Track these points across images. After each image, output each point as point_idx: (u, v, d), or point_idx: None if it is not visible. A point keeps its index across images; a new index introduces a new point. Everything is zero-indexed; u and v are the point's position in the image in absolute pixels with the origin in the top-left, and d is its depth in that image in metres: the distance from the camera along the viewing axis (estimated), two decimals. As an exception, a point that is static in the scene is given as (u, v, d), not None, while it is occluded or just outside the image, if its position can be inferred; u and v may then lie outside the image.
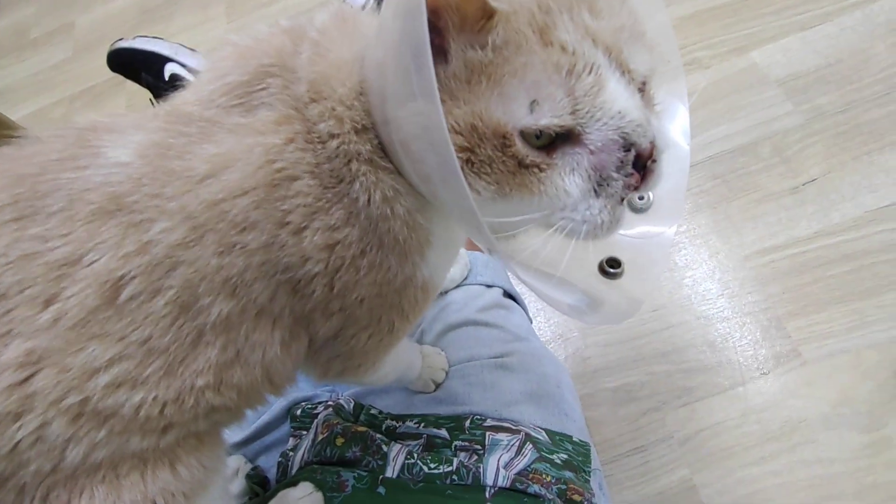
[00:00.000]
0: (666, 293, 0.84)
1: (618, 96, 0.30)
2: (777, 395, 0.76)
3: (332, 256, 0.35)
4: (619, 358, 0.82)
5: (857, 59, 0.97)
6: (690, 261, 0.88)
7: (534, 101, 0.29)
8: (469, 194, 0.26)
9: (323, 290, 0.36)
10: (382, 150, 0.35)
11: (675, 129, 0.41)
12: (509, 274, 0.80)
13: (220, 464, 0.42)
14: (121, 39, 1.13)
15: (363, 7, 1.15)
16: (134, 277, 0.31)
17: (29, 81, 1.51)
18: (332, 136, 0.34)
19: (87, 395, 0.32)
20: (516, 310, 0.76)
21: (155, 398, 0.34)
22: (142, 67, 1.12)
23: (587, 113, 0.30)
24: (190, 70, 1.12)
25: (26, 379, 0.30)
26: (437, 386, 0.64)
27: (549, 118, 0.29)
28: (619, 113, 0.30)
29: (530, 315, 0.80)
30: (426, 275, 0.40)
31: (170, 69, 1.11)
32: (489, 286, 0.76)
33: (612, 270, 0.40)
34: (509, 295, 0.78)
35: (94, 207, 0.31)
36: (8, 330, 0.30)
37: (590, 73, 0.29)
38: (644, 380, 0.80)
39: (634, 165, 0.32)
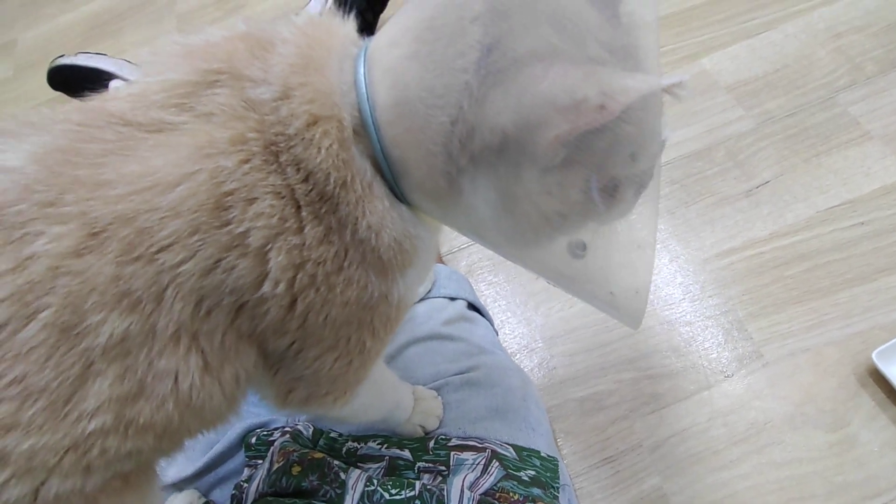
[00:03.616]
0: (629, 299, 0.84)
1: (664, 122, 0.32)
2: (742, 398, 0.76)
3: (300, 275, 0.33)
4: (585, 367, 0.81)
5: (802, 64, 1.00)
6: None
7: (633, 152, 0.30)
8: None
9: (279, 310, 0.34)
10: (376, 166, 0.33)
11: None
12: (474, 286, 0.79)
13: (148, 501, 0.39)
14: (61, 56, 1.09)
15: (319, 14, 1.13)
16: (3, 301, 0.28)
17: (-34, 102, 1.43)
18: (310, 153, 0.31)
19: None
20: (481, 322, 0.74)
21: (46, 446, 0.30)
22: (85, 85, 1.07)
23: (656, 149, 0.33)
24: (138, 86, 1.08)
25: None
26: (428, 433, 0.60)
27: (643, 163, 0.32)
28: (665, 137, 0.33)
29: (495, 327, 0.79)
30: (402, 292, 0.38)
31: (114, 86, 1.07)
32: (453, 298, 0.75)
33: (578, 252, 0.40)
34: (474, 307, 0.76)
35: None
36: None
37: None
38: (611, 388, 0.80)
39: None
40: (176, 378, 0.33)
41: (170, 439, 0.36)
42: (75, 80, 1.08)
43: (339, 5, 1.08)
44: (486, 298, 0.89)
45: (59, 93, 1.14)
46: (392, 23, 0.34)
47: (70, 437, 0.31)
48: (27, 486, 0.31)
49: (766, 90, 0.99)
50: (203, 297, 0.32)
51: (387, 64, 0.32)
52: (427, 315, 0.70)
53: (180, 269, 0.30)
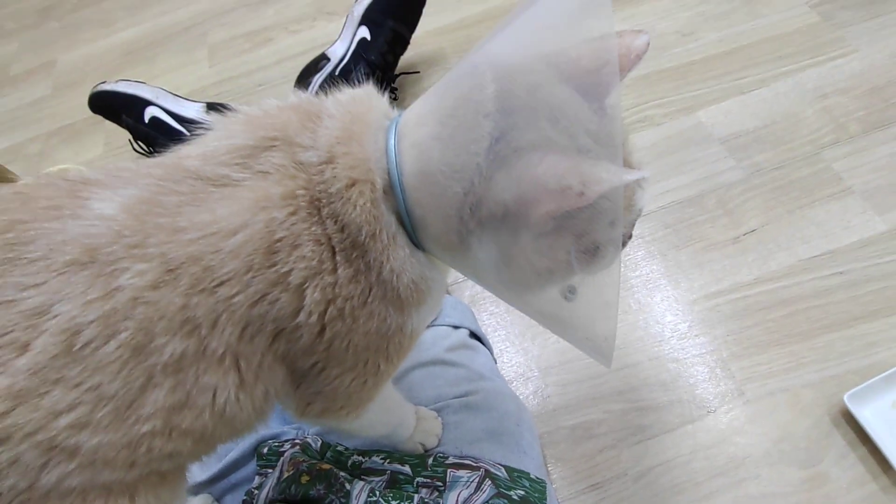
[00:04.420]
0: (621, 335, 0.90)
1: (641, 196, 0.39)
2: (723, 433, 0.81)
3: (330, 308, 0.39)
4: (577, 397, 0.86)
5: (790, 121, 1.07)
6: (643, 304, 0.93)
7: (612, 221, 0.36)
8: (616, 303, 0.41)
9: (310, 336, 0.40)
10: (399, 220, 0.40)
11: None
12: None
13: (178, 499, 0.44)
14: (104, 82, 1.17)
15: (342, 58, 1.21)
16: (91, 323, 0.34)
17: (5, 117, 1.51)
18: (347, 209, 0.37)
19: (54, 434, 0.34)
20: (481, 350, 0.80)
21: (109, 443, 0.36)
22: (123, 110, 1.15)
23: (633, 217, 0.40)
24: (170, 113, 1.16)
25: (7, 411, 0.33)
26: (427, 451, 0.66)
27: (622, 229, 0.38)
28: (640, 207, 0.39)
29: (495, 355, 0.84)
30: (415, 325, 0.44)
31: (150, 112, 1.15)
32: (456, 327, 0.80)
33: (570, 294, 0.46)
34: (475, 336, 0.82)
35: (68, 258, 0.34)
36: None
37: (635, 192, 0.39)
38: (601, 418, 0.84)
39: None
40: (214, 393, 0.38)
41: (205, 444, 0.42)
42: (114, 105, 1.15)
43: (363, 49, 1.17)
44: (486, 327, 0.95)
45: (93, 114, 1.21)
46: (420, 104, 0.41)
47: (127, 436, 0.36)
48: (86, 476, 0.36)
49: (756, 144, 1.06)
50: (248, 323, 0.38)
51: (414, 139, 0.39)
52: (432, 342, 0.76)
53: (233, 300, 0.36)
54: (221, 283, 0.36)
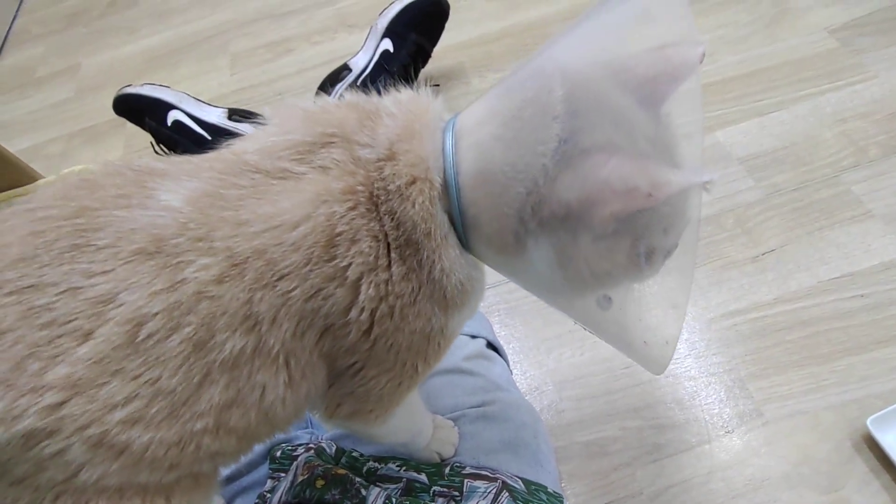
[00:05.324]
0: (638, 351, 0.89)
1: (694, 206, 0.38)
2: (741, 454, 0.79)
3: (382, 305, 0.39)
4: (592, 412, 0.85)
5: (809, 143, 1.07)
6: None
7: (665, 228, 0.37)
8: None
9: (357, 333, 0.39)
10: (451, 221, 0.40)
11: None
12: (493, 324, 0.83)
13: (208, 502, 0.44)
14: (129, 85, 1.19)
15: (364, 69, 1.23)
16: (156, 315, 0.33)
17: (28, 118, 1.54)
18: (405, 206, 0.37)
19: (107, 429, 0.34)
20: (498, 361, 0.79)
21: (160, 440, 0.35)
22: (146, 112, 1.17)
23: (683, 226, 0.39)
24: (192, 117, 1.17)
25: (62, 402, 0.32)
26: (443, 460, 0.65)
27: (673, 238, 0.38)
28: (691, 217, 0.39)
29: (510, 367, 0.84)
30: (454, 326, 0.44)
31: (173, 116, 1.16)
32: (474, 337, 0.80)
33: (605, 304, 0.46)
34: (492, 346, 0.81)
35: (135, 247, 0.34)
36: (56, 354, 0.32)
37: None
38: (616, 435, 0.83)
39: None
40: (263, 390, 0.38)
41: (247, 442, 0.42)
42: (138, 108, 1.17)
43: (385, 61, 1.18)
44: (500, 339, 0.94)
45: (114, 117, 1.23)
46: (479, 106, 0.41)
47: (178, 434, 0.36)
48: (125, 476, 0.36)
49: (775, 164, 1.06)
50: (301, 319, 0.37)
51: (473, 140, 0.39)
52: (450, 351, 0.75)
53: (291, 294, 0.36)
54: (282, 277, 0.36)
